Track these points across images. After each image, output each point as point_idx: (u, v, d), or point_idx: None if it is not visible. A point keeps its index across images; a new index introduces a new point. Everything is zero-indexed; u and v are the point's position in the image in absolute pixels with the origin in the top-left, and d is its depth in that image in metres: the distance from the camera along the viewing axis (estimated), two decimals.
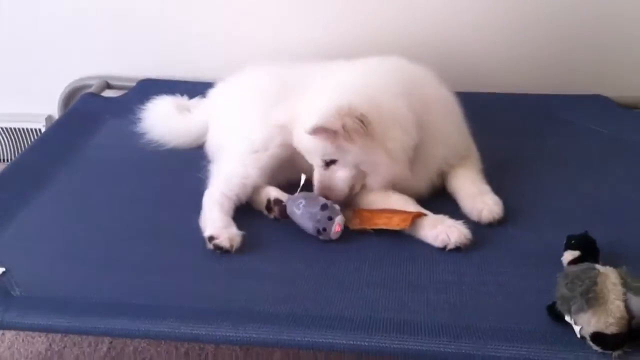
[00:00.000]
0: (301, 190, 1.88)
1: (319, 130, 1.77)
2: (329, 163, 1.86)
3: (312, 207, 1.80)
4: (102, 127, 2.50)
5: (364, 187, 1.90)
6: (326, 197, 1.85)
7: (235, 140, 2.04)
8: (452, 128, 2.00)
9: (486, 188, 1.93)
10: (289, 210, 1.85)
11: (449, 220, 1.78)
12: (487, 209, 1.85)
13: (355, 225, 1.84)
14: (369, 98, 1.82)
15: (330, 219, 1.78)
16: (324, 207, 1.79)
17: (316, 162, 1.89)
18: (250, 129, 2.02)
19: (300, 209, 1.81)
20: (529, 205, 1.91)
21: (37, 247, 1.82)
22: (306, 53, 2.59)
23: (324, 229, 1.78)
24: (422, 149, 1.88)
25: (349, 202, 1.89)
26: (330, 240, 1.79)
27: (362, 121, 1.76)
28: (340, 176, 1.86)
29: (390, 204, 1.86)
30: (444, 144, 1.96)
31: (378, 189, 1.88)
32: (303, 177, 1.90)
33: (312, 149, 1.86)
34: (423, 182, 1.95)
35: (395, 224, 1.79)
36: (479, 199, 1.88)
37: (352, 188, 1.89)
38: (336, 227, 1.78)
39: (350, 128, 1.76)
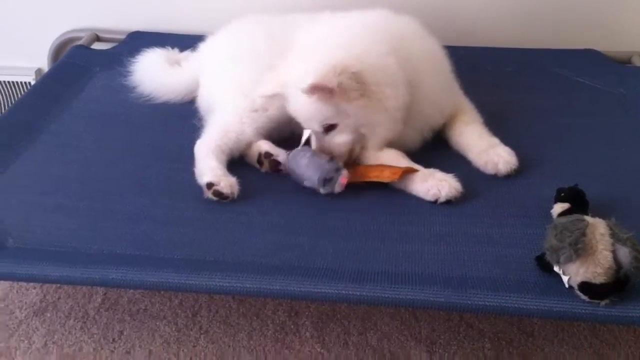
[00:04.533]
0: (304, 145, 1.85)
1: (316, 89, 1.72)
2: (327, 129, 1.82)
3: (320, 157, 1.79)
4: (92, 80, 2.47)
5: (362, 148, 1.87)
6: None
7: (234, 95, 2.01)
8: (440, 83, 1.97)
9: (495, 140, 1.92)
10: (290, 160, 1.83)
11: (439, 173, 1.79)
12: (502, 161, 1.85)
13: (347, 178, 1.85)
14: (358, 57, 1.77)
15: (338, 170, 1.77)
16: (331, 159, 1.78)
17: (315, 129, 1.84)
18: (251, 87, 1.98)
19: (307, 159, 1.79)
20: (520, 158, 1.89)
21: (30, 198, 1.82)
22: (293, 5, 2.55)
23: (331, 178, 1.76)
24: (412, 106, 1.86)
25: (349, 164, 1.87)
26: (330, 194, 1.77)
27: (357, 80, 1.73)
28: (340, 141, 1.83)
29: (382, 159, 1.86)
30: (433, 99, 1.94)
31: (376, 149, 1.86)
32: (307, 132, 1.85)
33: (311, 114, 1.81)
34: (414, 138, 1.95)
35: (386, 176, 1.80)
36: (492, 152, 1.87)
37: (351, 151, 1.86)
38: (342, 178, 1.77)
39: (347, 86, 1.73)
